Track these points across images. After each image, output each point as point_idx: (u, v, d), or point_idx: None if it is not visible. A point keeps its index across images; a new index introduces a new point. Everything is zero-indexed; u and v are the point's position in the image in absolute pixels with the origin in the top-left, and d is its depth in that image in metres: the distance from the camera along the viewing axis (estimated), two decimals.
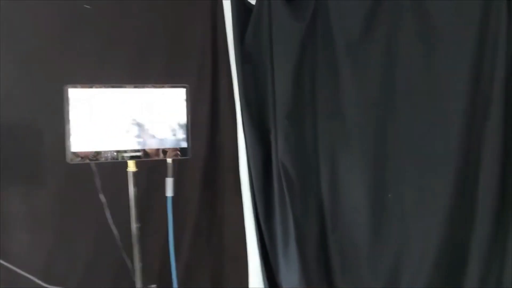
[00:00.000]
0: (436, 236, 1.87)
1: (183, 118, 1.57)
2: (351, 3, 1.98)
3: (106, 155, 1.47)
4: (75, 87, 1.44)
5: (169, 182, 1.59)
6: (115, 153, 1.48)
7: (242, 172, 2.25)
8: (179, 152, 1.57)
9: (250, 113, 2.21)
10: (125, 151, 1.50)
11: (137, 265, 1.55)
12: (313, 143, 2.15)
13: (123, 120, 1.50)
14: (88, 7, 1.81)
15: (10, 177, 1.76)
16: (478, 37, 1.73)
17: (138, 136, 1.52)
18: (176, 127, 1.57)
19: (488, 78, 1.73)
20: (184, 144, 1.57)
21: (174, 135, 1.56)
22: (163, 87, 1.53)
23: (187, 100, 1.56)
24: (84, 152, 1.45)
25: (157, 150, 1.54)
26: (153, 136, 1.54)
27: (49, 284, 1.70)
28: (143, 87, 1.52)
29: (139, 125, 1.52)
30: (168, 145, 1.56)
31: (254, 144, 2.22)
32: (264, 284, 2.28)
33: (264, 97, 2.22)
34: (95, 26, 1.86)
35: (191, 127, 1.99)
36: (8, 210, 1.77)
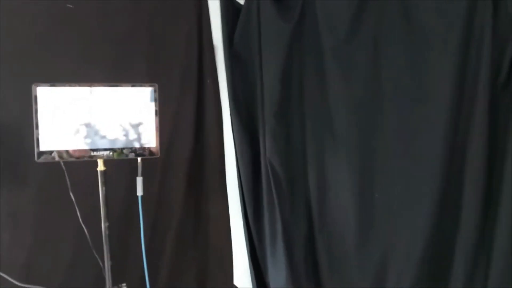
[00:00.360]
0: (422, 235, 1.86)
1: (152, 118, 1.56)
2: (338, 3, 1.98)
3: (74, 154, 1.47)
4: (43, 85, 1.44)
5: (139, 181, 1.59)
6: (84, 152, 1.49)
7: (228, 172, 2.25)
8: (149, 151, 1.57)
9: (239, 113, 2.21)
10: (93, 150, 1.50)
11: (107, 263, 1.56)
12: (301, 142, 2.14)
13: (91, 118, 1.50)
14: (71, 6, 1.80)
15: None
16: (463, 37, 1.73)
17: (106, 135, 1.51)
18: (146, 126, 1.55)
19: (473, 78, 1.73)
20: (153, 144, 1.56)
21: (145, 134, 1.55)
22: (134, 85, 1.52)
23: (156, 99, 1.55)
24: (52, 151, 1.46)
25: (125, 149, 1.54)
26: (121, 135, 1.53)
27: (28, 283, 1.70)
28: (116, 85, 1.51)
29: (107, 124, 1.52)
30: (136, 144, 1.55)
31: (243, 143, 2.22)
32: (253, 284, 2.28)
33: (253, 97, 2.22)
34: (78, 25, 1.86)
35: (176, 126, 2.00)
36: None
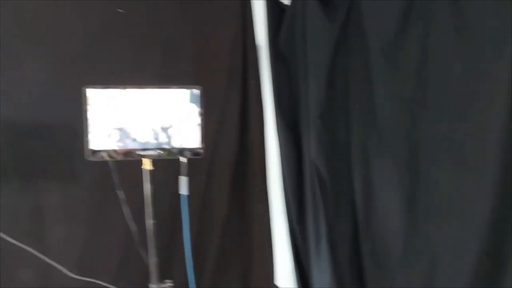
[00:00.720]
0: (473, 241, 1.78)
1: (197, 118, 1.60)
2: (386, 3, 1.94)
3: (122, 154, 1.54)
4: (93, 87, 1.51)
5: (183, 180, 1.63)
6: (131, 152, 1.55)
7: (272, 172, 2.26)
8: (193, 152, 1.61)
9: (283, 113, 2.22)
10: (140, 150, 1.56)
11: (152, 260, 1.60)
12: (346, 143, 2.12)
13: (139, 119, 1.56)
14: (121, 11, 1.88)
15: (47, 173, 1.88)
16: None
17: (153, 136, 1.57)
18: (192, 127, 1.60)
19: None
20: (198, 144, 1.60)
21: (190, 135, 1.60)
22: (180, 87, 1.57)
23: (201, 100, 1.59)
24: (101, 150, 1.53)
25: (171, 149, 1.59)
26: (167, 136, 1.58)
27: (81, 275, 1.79)
28: (162, 87, 1.57)
29: (155, 125, 1.58)
30: (182, 145, 1.59)
31: (286, 144, 2.23)
32: (296, 284, 2.28)
33: (297, 97, 2.22)
34: (128, 30, 1.94)
35: (220, 127, 2.03)
36: (45, 203, 1.88)
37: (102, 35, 1.91)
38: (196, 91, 1.58)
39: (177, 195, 1.90)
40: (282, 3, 2.22)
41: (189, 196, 1.63)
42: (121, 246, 1.93)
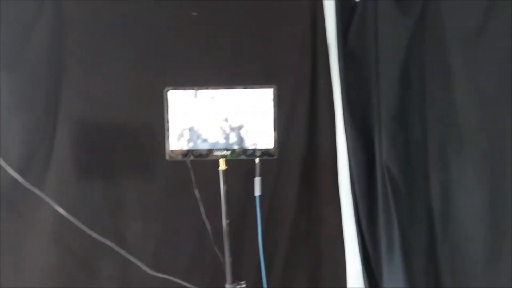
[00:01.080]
0: None
1: (270, 118, 1.58)
2: None
3: (200, 153, 1.57)
4: (174, 89, 1.56)
5: (257, 181, 1.61)
6: (208, 152, 1.58)
7: (341, 174, 2.19)
8: (267, 152, 1.59)
9: (352, 114, 2.14)
10: (216, 150, 1.58)
11: (228, 259, 1.60)
12: (422, 145, 2.02)
13: (215, 120, 1.58)
14: (195, 14, 1.92)
15: (126, 170, 1.96)
16: None
17: (229, 136, 1.58)
18: (264, 127, 1.59)
19: None
20: (270, 145, 1.59)
21: (262, 135, 1.59)
22: (252, 87, 1.57)
23: (274, 100, 1.57)
24: (180, 150, 1.57)
25: (245, 150, 1.59)
26: (242, 136, 1.59)
27: (156, 271, 1.84)
28: (234, 88, 1.57)
29: (230, 125, 1.59)
30: (255, 145, 1.59)
31: (356, 146, 2.15)
32: None
33: (368, 97, 2.13)
34: (197, 31, 1.99)
35: (289, 127, 2.01)
36: (124, 200, 1.96)
37: (175, 36, 1.97)
38: (269, 90, 1.57)
39: (242, 195, 1.91)
40: (353, 1, 2.15)
41: (259, 197, 1.61)
42: (194, 244, 1.98)
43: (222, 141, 1.58)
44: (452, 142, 1.95)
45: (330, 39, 2.14)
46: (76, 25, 1.92)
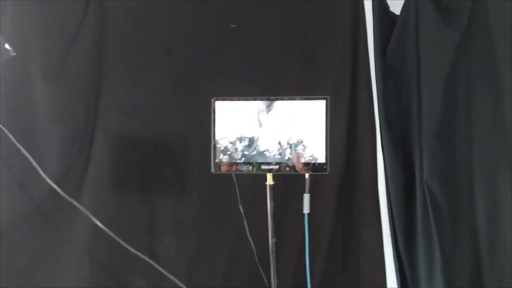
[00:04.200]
0: None
1: (322, 131, 1.50)
2: None
3: (247, 167, 1.50)
4: (221, 99, 1.50)
5: (306, 198, 1.52)
6: (255, 165, 1.50)
7: (381, 192, 2.10)
8: (316, 167, 1.51)
9: (391, 130, 2.06)
10: (264, 164, 1.50)
11: (274, 282, 1.53)
12: (467, 165, 1.92)
13: (261, 132, 1.51)
14: (234, 26, 1.91)
15: (162, 184, 1.93)
16: None
17: (278, 150, 1.51)
18: (314, 141, 1.50)
19: None
20: (322, 159, 1.50)
21: (312, 149, 1.50)
22: (303, 99, 1.50)
23: (326, 112, 1.49)
24: (227, 163, 1.50)
25: (296, 164, 1.50)
26: (291, 150, 1.51)
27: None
28: (284, 99, 1.51)
29: (280, 138, 1.51)
30: (305, 159, 1.50)
31: (394, 163, 2.06)
32: None
33: (408, 113, 2.05)
34: (236, 43, 1.96)
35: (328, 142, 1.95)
36: (159, 215, 1.93)
37: (213, 49, 1.95)
38: (322, 102, 1.50)
39: (282, 210, 1.84)
40: (392, 13, 2.09)
41: (308, 214, 1.54)
42: (230, 262, 1.92)
43: (270, 154, 1.51)
44: (500, 162, 1.84)
45: (371, 53, 2.08)
46: (117, 38, 1.92)
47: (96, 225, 1.83)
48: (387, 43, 2.09)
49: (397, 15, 2.08)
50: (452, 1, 1.92)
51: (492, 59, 1.82)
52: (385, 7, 2.08)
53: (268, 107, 1.51)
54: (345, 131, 2.03)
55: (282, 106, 1.51)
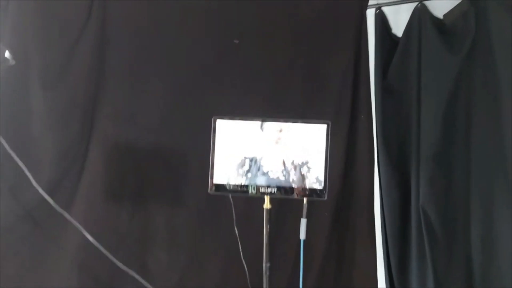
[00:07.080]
0: None
1: (322, 156, 1.45)
2: None
3: (244, 189, 1.45)
4: (223, 118, 1.45)
5: (303, 223, 1.48)
6: (254, 188, 1.45)
7: (377, 215, 2.09)
8: (314, 192, 1.46)
9: (388, 151, 2.06)
10: (263, 187, 1.45)
11: None
12: (464, 192, 1.91)
13: (259, 153, 1.46)
14: (237, 41, 1.89)
15: (156, 197, 1.89)
16: None
17: (272, 172, 1.46)
18: (314, 165, 1.45)
19: None
20: (320, 186, 1.45)
21: (311, 174, 1.45)
22: (306, 122, 1.45)
23: (327, 137, 1.44)
24: (225, 184, 1.44)
25: (294, 188, 1.45)
26: (287, 173, 1.46)
27: None
28: (288, 121, 1.46)
29: (275, 161, 1.46)
30: (304, 184, 1.45)
31: (390, 185, 2.05)
32: None
33: (406, 135, 2.05)
34: (238, 58, 1.94)
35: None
36: (152, 227, 1.89)
37: (215, 63, 1.93)
38: (322, 126, 1.45)
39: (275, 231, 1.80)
40: (394, 35, 2.10)
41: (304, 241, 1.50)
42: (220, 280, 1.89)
43: (274, 176, 1.45)
44: (497, 187, 1.83)
45: (372, 73, 2.08)
46: (118, 47, 1.89)
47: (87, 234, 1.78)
48: (389, 64, 2.09)
49: (399, 37, 2.08)
50: (455, 25, 1.93)
51: (494, 84, 1.82)
52: (388, 28, 2.09)
53: (269, 127, 1.46)
54: (344, 151, 2.01)
55: (284, 127, 1.46)
